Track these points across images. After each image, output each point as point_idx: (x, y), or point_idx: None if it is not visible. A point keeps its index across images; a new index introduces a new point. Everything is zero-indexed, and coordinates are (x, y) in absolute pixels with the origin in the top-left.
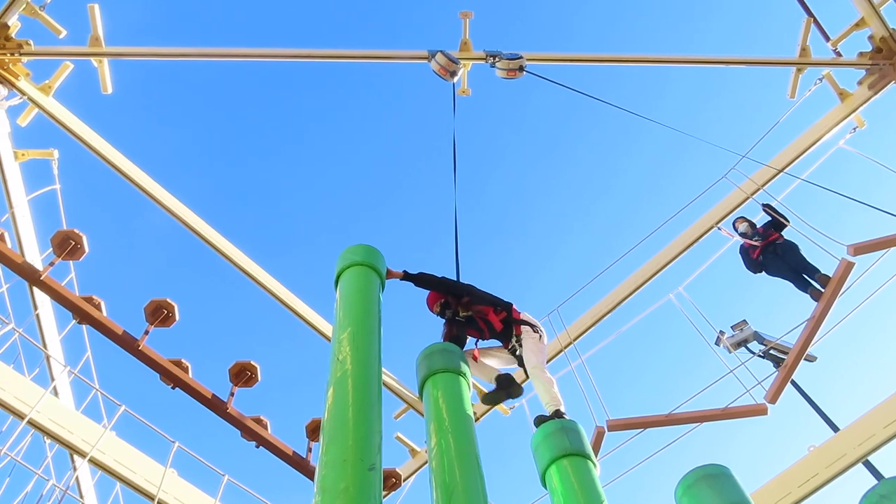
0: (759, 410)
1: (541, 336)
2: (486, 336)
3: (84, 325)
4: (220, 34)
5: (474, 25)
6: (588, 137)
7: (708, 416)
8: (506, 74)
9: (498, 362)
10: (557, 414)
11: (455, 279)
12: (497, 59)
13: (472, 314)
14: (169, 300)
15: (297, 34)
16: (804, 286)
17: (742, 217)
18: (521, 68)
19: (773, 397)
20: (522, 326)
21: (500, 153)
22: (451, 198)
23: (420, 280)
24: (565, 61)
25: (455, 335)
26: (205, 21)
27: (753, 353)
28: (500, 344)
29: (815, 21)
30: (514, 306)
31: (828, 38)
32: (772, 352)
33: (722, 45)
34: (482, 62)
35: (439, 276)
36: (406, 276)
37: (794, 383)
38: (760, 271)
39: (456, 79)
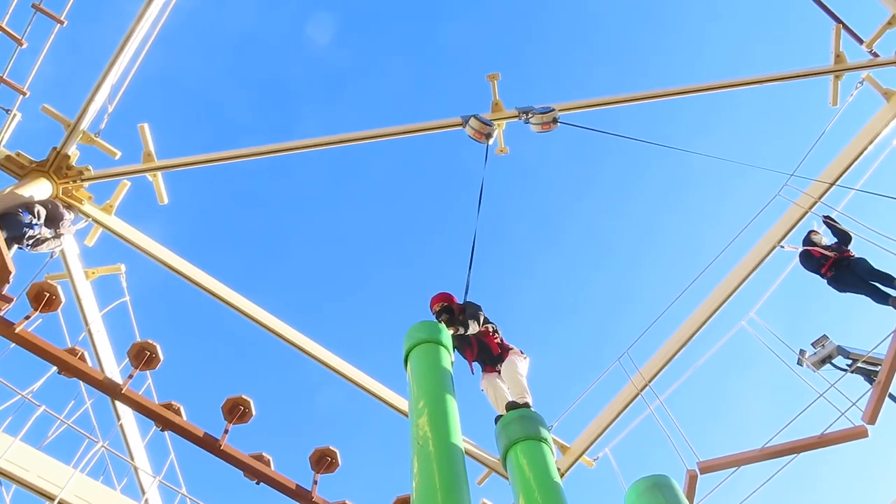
0: (858, 434)
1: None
2: (475, 354)
3: (166, 431)
4: (257, 130)
5: (502, 85)
6: (632, 179)
7: (804, 445)
8: (540, 129)
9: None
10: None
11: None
12: (530, 115)
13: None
14: (244, 396)
15: (329, 121)
16: (883, 298)
17: (816, 230)
18: (555, 120)
19: (872, 417)
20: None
21: (559, 201)
22: (489, 262)
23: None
24: (596, 106)
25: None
26: (241, 119)
27: (841, 368)
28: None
29: (845, 26)
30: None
31: (861, 42)
32: (861, 365)
33: (743, 67)
34: (516, 119)
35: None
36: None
37: (892, 397)
38: (824, 275)
39: (492, 140)
